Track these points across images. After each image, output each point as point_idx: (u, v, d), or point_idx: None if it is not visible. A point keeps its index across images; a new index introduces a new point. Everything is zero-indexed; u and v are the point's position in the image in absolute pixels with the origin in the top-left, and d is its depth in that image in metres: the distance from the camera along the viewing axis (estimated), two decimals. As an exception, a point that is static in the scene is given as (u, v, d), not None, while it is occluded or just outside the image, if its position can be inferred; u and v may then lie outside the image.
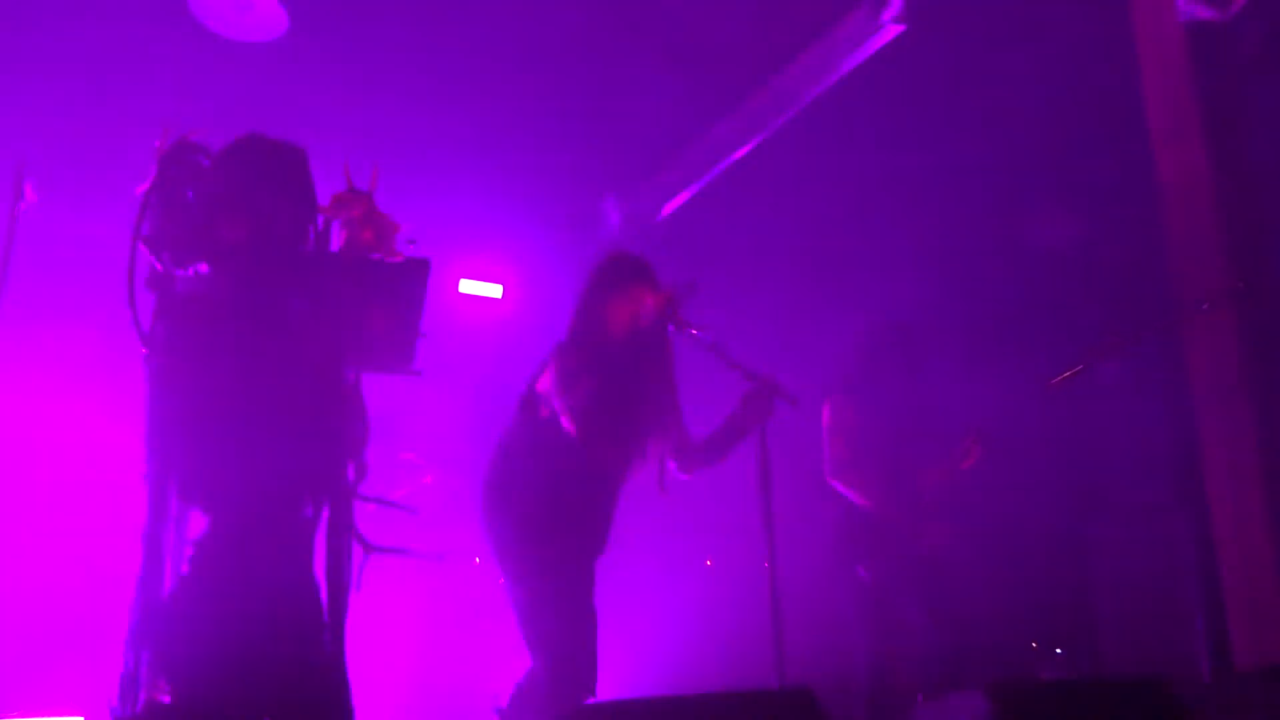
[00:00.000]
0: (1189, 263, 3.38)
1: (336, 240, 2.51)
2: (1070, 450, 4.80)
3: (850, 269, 4.81)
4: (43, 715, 3.63)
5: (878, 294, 4.48)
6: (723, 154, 5.10)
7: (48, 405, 3.93)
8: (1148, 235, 3.66)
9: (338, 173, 2.49)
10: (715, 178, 5.22)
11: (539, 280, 5.88)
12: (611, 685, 4.25)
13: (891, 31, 4.16)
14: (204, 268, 2.21)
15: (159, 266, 2.19)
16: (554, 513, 2.88)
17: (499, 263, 5.91)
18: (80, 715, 3.58)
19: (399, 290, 2.49)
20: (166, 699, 2.00)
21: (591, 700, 2.76)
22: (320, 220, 2.42)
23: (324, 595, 2.16)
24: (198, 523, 2.10)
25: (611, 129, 5.28)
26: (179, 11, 4.06)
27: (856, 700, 3.60)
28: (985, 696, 2.13)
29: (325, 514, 2.20)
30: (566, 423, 2.89)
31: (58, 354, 3.97)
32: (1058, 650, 4.65)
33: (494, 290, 5.79)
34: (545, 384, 2.99)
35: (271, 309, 2.22)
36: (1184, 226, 3.40)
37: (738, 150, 5.01)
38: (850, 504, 3.66)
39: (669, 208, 5.59)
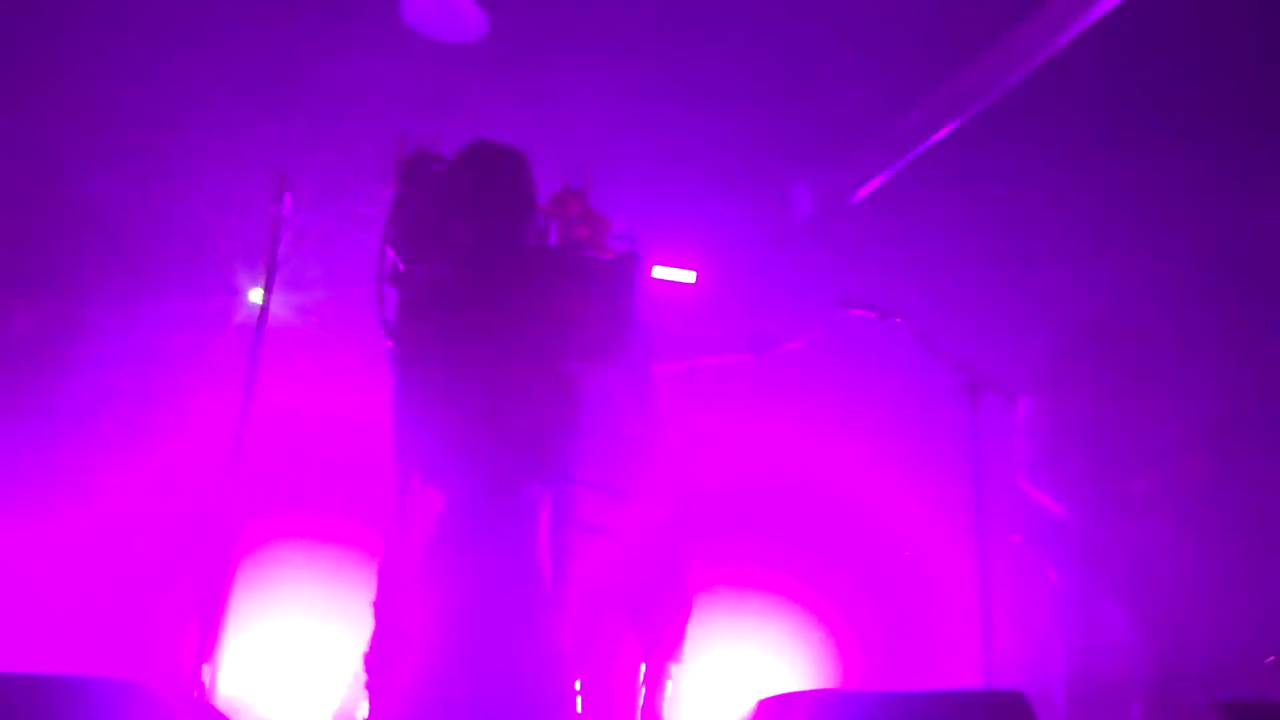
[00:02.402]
0: None
1: (554, 237, 2.67)
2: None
3: (1048, 261, 4.56)
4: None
5: (1076, 288, 4.23)
6: (918, 138, 4.96)
7: (313, 397, 4.38)
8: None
9: (547, 164, 2.63)
10: (911, 162, 5.08)
11: (732, 266, 5.92)
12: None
13: (1095, 13, 3.90)
14: (439, 265, 2.40)
15: (400, 265, 2.40)
16: None
17: (692, 249, 5.98)
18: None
19: (611, 284, 2.61)
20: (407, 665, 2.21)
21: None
22: (540, 218, 2.57)
23: (548, 571, 2.32)
24: (436, 500, 2.31)
25: (805, 111, 5.23)
26: (394, 22, 4.39)
27: (1054, 706, 3.46)
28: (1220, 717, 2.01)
29: (548, 496, 2.36)
30: None
31: (320, 349, 4.43)
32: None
33: (688, 276, 5.87)
34: None
35: (499, 303, 2.38)
36: None
37: (933, 135, 4.86)
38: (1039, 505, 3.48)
39: (863, 192, 5.49)
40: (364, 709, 2.19)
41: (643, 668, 3.01)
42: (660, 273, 5.80)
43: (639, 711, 2.98)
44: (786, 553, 4.73)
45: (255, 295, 3.20)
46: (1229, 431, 3.47)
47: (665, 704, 2.99)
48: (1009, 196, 4.70)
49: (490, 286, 2.39)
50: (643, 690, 3.00)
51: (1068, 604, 3.45)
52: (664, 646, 3.01)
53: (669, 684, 3.01)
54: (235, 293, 4.22)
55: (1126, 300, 3.92)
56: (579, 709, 3.08)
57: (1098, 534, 3.40)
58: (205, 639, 2.62)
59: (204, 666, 2.59)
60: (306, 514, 4.22)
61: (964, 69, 4.63)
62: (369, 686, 2.15)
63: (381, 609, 2.20)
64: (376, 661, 2.16)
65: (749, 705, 2.73)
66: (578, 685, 3.02)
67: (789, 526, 4.82)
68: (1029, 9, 4.21)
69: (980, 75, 4.54)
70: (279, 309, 3.21)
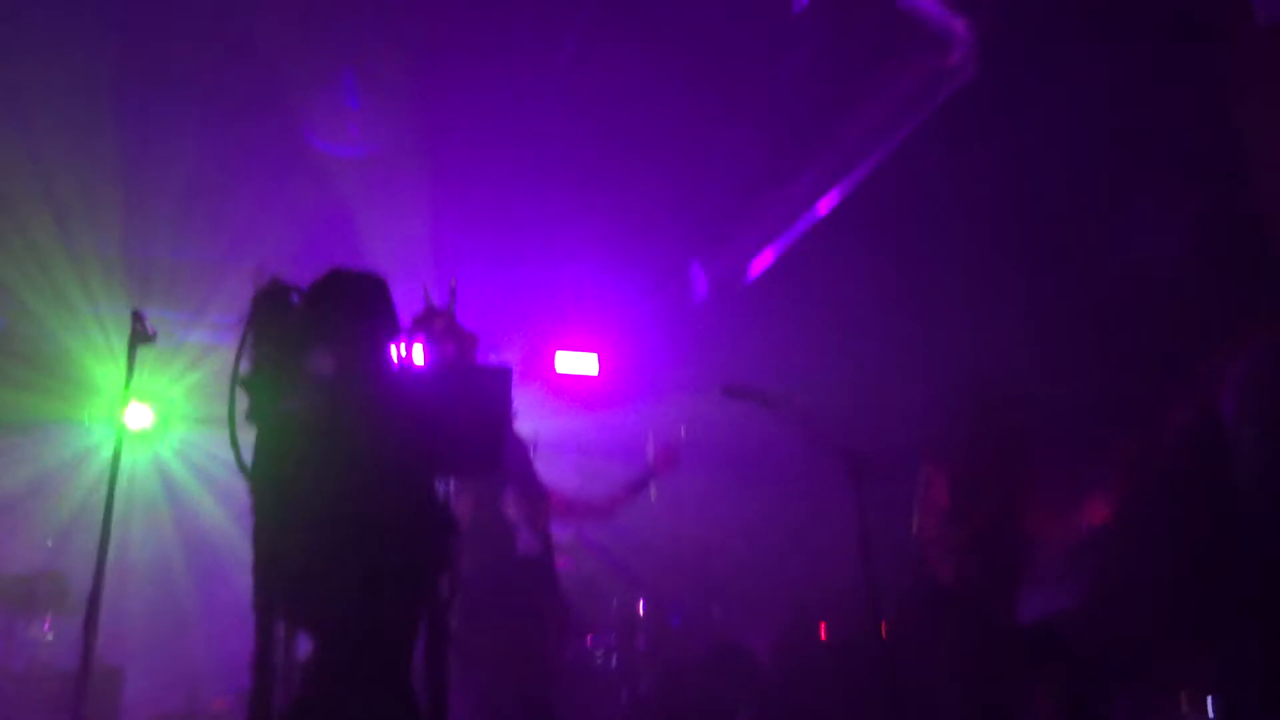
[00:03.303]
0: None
1: (421, 357, 2.65)
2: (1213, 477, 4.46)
3: (944, 321, 4.67)
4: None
5: (978, 345, 4.31)
6: (801, 209, 5.12)
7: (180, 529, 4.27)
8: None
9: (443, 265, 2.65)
10: (798, 235, 5.23)
11: (633, 349, 5.98)
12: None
13: (961, 78, 4.11)
14: (297, 401, 2.35)
15: (254, 403, 2.34)
16: None
17: (593, 334, 6.04)
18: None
19: (484, 399, 2.59)
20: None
21: None
22: (404, 340, 2.55)
23: (423, 701, 2.24)
24: (304, 645, 2.22)
25: (694, 194, 5.37)
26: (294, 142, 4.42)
27: None
28: None
29: (423, 624, 2.29)
30: None
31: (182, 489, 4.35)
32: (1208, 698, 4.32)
33: (589, 364, 5.91)
34: None
35: (362, 434, 2.33)
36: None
37: (817, 203, 5.02)
38: (929, 574, 3.46)
39: (757, 268, 5.61)
40: None
41: None
42: (564, 363, 5.83)
43: None
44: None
45: (117, 422, 3.13)
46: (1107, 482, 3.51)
47: None
48: (885, 272, 4.82)
49: (351, 418, 2.35)
50: None
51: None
52: None
53: None
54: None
55: (1004, 367, 4.00)
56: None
57: (992, 605, 3.40)
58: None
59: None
60: (174, 660, 4.06)
61: (835, 140, 4.81)
62: None
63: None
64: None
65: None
66: None
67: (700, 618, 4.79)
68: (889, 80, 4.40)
69: (852, 143, 4.71)
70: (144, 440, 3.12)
